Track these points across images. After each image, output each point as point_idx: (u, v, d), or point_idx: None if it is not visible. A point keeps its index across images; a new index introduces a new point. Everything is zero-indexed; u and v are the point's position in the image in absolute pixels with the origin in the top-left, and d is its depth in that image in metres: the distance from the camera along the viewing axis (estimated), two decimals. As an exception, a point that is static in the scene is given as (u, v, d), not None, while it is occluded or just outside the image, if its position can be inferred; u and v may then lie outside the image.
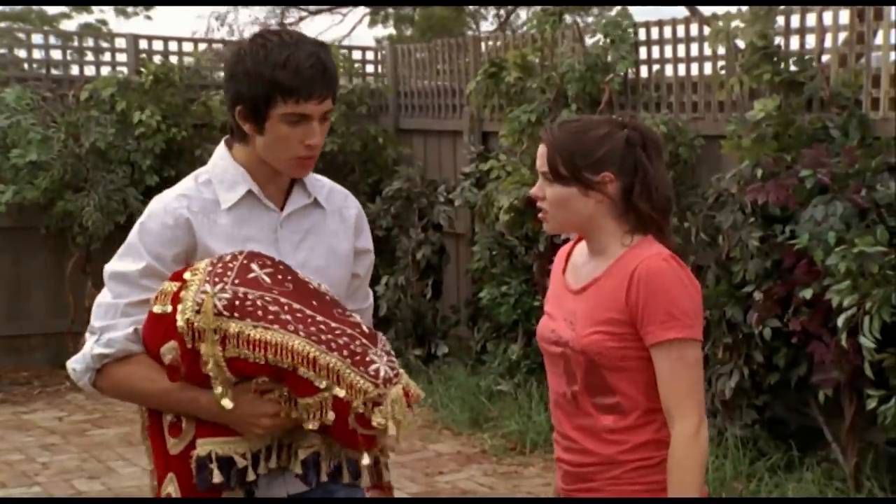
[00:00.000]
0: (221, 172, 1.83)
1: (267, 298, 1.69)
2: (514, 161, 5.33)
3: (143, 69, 6.46)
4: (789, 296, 3.97)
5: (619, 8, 5.28)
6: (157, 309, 1.72)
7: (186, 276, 1.72)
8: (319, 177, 1.94)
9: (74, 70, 6.81)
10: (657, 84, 5.12)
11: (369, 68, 7.37)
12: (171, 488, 1.76)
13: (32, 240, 6.37)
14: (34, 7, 12.86)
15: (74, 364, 1.82)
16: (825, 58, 4.32)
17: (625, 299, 1.77)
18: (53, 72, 6.71)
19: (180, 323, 1.67)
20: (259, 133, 1.78)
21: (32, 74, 6.60)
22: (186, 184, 1.85)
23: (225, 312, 1.66)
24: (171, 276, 1.76)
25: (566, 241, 2.03)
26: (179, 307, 1.68)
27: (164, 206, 1.82)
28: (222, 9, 15.22)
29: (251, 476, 1.73)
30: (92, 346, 1.79)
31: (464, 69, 6.39)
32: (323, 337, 1.69)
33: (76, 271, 6.32)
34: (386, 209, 6.26)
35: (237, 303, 1.67)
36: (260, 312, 1.67)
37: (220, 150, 1.88)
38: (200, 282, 1.69)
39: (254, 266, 1.73)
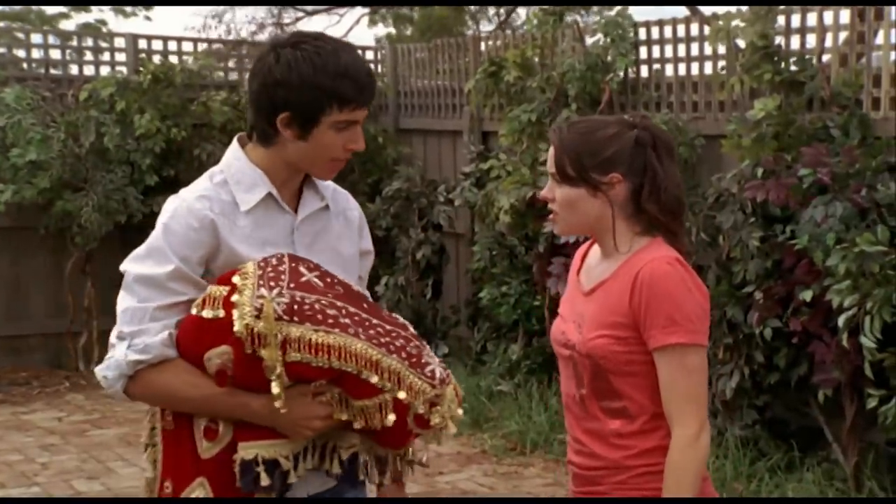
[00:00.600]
0: (238, 173, 1.80)
1: (323, 302, 1.70)
2: (514, 161, 5.33)
3: (142, 69, 6.45)
4: (790, 296, 3.96)
5: (618, 7, 5.28)
6: (207, 314, 1.69)
7: (236, 280, 1.69)
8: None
9: (74, 70, 6.81)
10: (657, 84, 5.11)
11: (369, 68, 7.36)
12: (201, 492, 1.73)
13: (31, 240, 6.36)
14: (33, 7, 12.85)
15: (106, 371, 1.75)
16: (826, 57, 4.32)
17: (628, 303, 1.76)
18: (53, 71, 6.70)
19: (238, 328, 1.65)
20: (302, 139, 1.76)
21: (31, 74, 6.59)
22: (203, 184, 1.81)
23: (285, 317, 1.66)
24: (218, 280, 1.73)
25: (568, 242, 2.03)
26: (236, 312, 1.66)
27: (187, 207, 1.77)
28: (220, 8, 15.23)
29: (293, 478, 1.73)
30: (125, 353, 1.74)
31: (463, 68, 6.38)
32: (382, 340, 1.71)
33: (75, 271, 6.31)
34: (386, 209, 6.26)
35: (296, 307, 1.67)
36: (319, 316, 1.68)
37: (235, 150, 1.84)
38: (253, 286, 1.67)
39: (302, 269, 1.73)
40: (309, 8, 15.04)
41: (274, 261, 1.73)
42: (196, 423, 1.75)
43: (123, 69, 6.72)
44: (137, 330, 1.74)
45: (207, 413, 1.75)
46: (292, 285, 1.69)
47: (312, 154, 1.78)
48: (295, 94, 1.73)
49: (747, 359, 4.19)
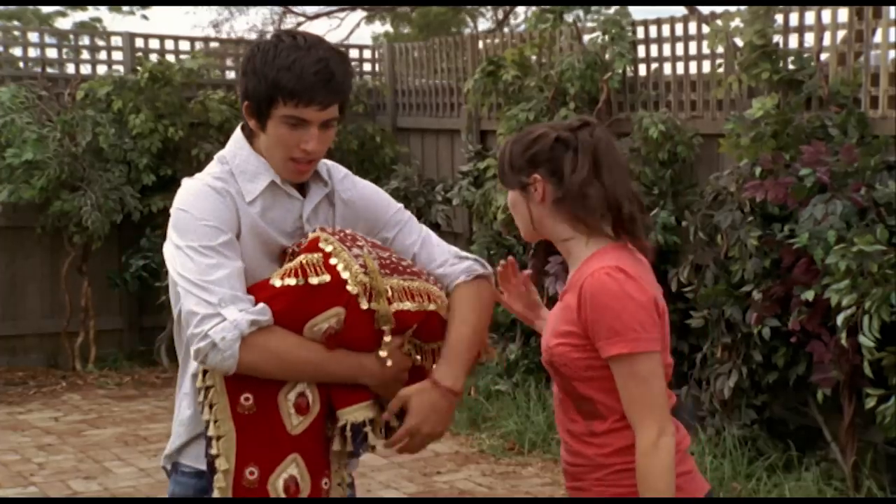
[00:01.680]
0: (242, 163, 1.83)
1: (394, 257, 1.83)
2: (511, 160, 5.30)
3: (139, 68, 6.43)
4: (788, 295, 3.95)
5: (617, 7, 5.27)
6: (314, 280, 1.72)
7: (323, 245, 1.75)
8: (326, 161, 1.95)
9: (70, 68, 6.79)
10: (655, 82, 5.11)
11: (366, 67, 7.35)
12: (294, 470, 1.74)
13: (28, 239, 6.34)
14: (30, 6, 12.81)
15: (223, 333, 1.66)
16: (824, 56, 4.31)
17: (577, 315, 1.79)
18: (49, 70, 6.68)
19: (352, 286, 1.71)
20: (262, 130, 1.81)
21: (28, 73, 6.57)
22: (216, 168, 1.84)
23: (383, 270, 1.77)
24: (303, 249, 1.76)
25: None
26: (346, 273, 1.72)
27: (209, 186, 1.79)
28: (219, 17, 15.24)
29: (374, 440, 1.80)
30: (240, 314, 1.68)
31: (462, 67, 6.37)
32: (431, 280, 1.86)
33: (72, 271, 6.29)
34: (383, 208, 6.24)
35: (383, 261, 1.79)
36: (400, 267, 1.81)
37: (238, 139, 1.87)
38: (340, 247, 1.75)
39: (350, 231, 1.83)
40: (310, 12, 15.03)
41: (329, 228, 1.81)
42: (284, 400, 1.74)
43: (120, 68, 6.70)
44: (235, 295, 1.70)
45: (318, 376, 1.75)
46: (369, 244, 1.80)
47: (271, 146, 1.81)
48: (249, 84, 1.78)
49: (745, 358, 4.18)
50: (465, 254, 1.96)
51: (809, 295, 3.74)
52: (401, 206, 1.99)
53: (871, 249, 3.51)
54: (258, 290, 1.76)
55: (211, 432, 1.75)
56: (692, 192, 4.68)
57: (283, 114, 1.76)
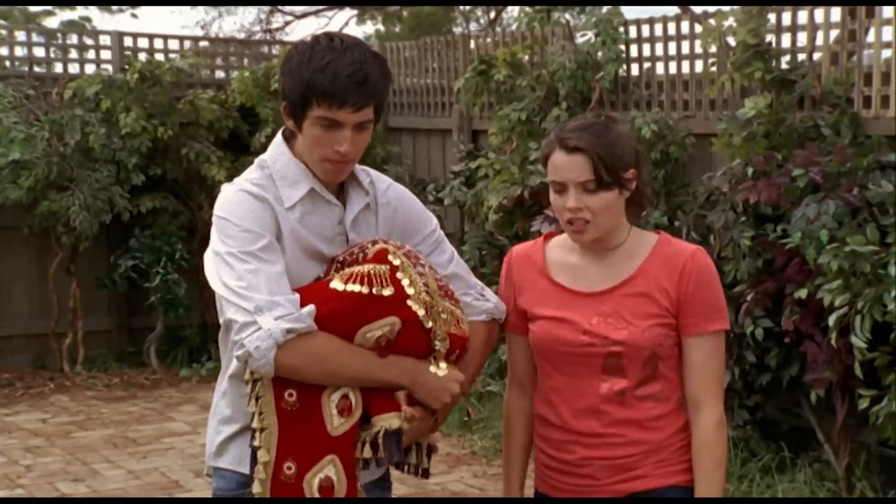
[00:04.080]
0: (283, 168, 1.84)
1: (444, 282, 1.89)
2: (503, 160, 5.30)
3: (128, 67, 6.39)
4: (781, 295, 3.95)
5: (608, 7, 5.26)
6: (379, 291, 1.76)
7: (391, 258, 1.78)
8: (369, 171, 1.96)
9: (58, 67, 6.74)
10: (648, 82, 5.09)
11: (357, 66, 7.31)
12: (331, 471, 1.76)
13: (15, 240, 6.29)
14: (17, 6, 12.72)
15: (258, 343, 1.69)
16: (817, 56, 4.31)
17: (675, 290, 1.87)
18: (36, 69, 6.63)
19: (415, 304, 1.76)
20: (298, 130, 1.83)
21: (15, 72, 6.52)
22: (255, 174, 1.84)
23: (439, 292, 1.84)
24: (370, 259, 1.78)
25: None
26: (410, 289, 1.77)
27: (247, 192, 1.80)
28: (207, 17, 15.18)
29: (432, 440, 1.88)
30: (276, 322, 1.69)
31: (453, 67, 6.35)
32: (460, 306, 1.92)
33: (60, 271, 6.24)
34: (374, 208, 6.22)
35: (439, 282, 1.86)
36: (450, 292, 1.88)
37: (279, 143, 1.87)
38: (407, 263, 1.80)
39: (412, 249, 1.88)
40: (298, 11, 14.99)
41: (395, 243, 1.85)
42: (327, 401, 1.76)
43: (109, 67, 6.65)
44: (272, 301, 1.71)
45: (362, 380, 1.76)
46: (427, 265, 1.86)
47: (307, 147, 1.83)
48: (286, 85, 1.81)
49: (738, 359, 4.17)
50: (489, 292, 2.00)
51: (802, 293, 3.74)
52: (437, 222, 2.01)
53: (864, 249, 3.51)
54: (314, 291, 1.78)
55: (255, 424, 1.77)
56: (685, 192, 4.67)
57: (317, 115, 1.77)
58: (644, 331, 1.86)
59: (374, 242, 1.83)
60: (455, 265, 1.96)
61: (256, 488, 1.76)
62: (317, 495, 1.75)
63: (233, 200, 1.80)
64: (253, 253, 1.75)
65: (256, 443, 1.77)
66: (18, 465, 4.73)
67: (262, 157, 1.88)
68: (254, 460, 1.78)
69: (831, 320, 3.54)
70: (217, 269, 1.77)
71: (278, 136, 1.89)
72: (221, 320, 1.83)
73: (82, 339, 6.28)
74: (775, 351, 4.08)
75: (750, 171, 4.02)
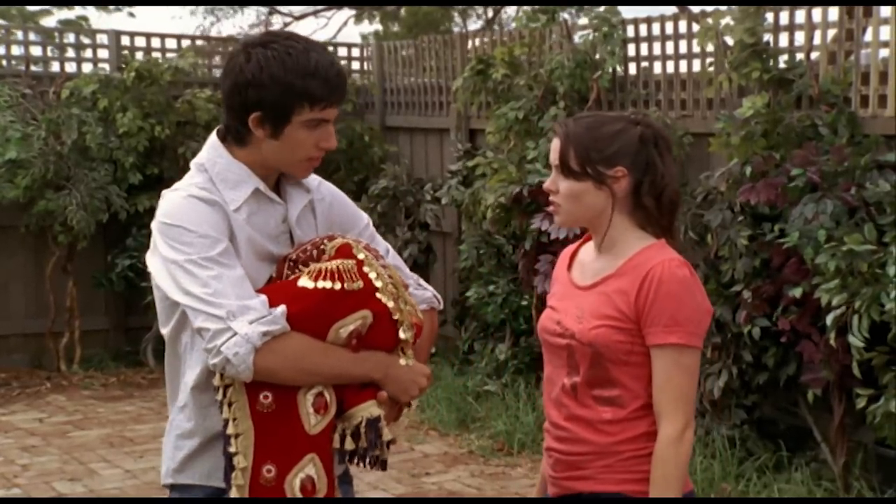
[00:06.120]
0: (223, 171, 1.80)
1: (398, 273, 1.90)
2: (500, 159, 5.29)
3: (125, 66, 6.38)
4: (778, 294, 3.95)
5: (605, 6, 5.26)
6: (349, 286, 1.76)
7: (356, 252, 1.79)
8: None
9: (55, 66, 6.73)
10: (646, 81, 5.09)
11: (355, 65, 7.32)
12: (311, 469, 1.76)
13: (12, 239, 6.28)
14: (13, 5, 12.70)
15: (235, 349, 1.66)
16: (814, 55, 4.30)
17: (634, 298, 1.83)
18: (33, 68, 6.62)
19: (383, 296, 1.77)
20: (274, 138, 1.78)
21: (11, 71, 6.51)
22: (196, 179, 1.80)
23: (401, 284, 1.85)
24: (333, 255, 1.78)
25: (558, 238, 2.04)
26: (378, 282, 1.78)
27: (194, 196, 1.76)
28: (205, 22, 15.18)
29: (387, 436, 1.83)
30: (251, 326, 1.67)
31: (451, 66, 6.35)
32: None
33: (56, 271, 6.23)
34: (372, 207, 6.21)
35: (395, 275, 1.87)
36: (404, 283, 1.87)
37: (216, 146, 1.83)
38: (371, 257, 1.81)
39: (370, 243, 1.90)
40: (296, 12, 14.97)
41: (355, 238, 1.87)
42: (303, 400, 1.75)
43: (106, 66, 6.64)
44: (243, 305, 1.69)
45: (337, 377, 1.76)
46: (383, 259, 1.87)
47: (286, 153, 1.80)
48: (266, 94, 1.74)
49: (735, 358, 4.17)
50: (424, 282, 2.04)
51: (798, 291, 3.74)
52: (368, 217, 2.02)
53: (861, 249, 3.50)
54: (280, 290, 1.76)
55: (230, 430, 1.74)
56: (682, 192, 4.66)
57: (306, 118, 1.76)
58: (591, 329, 1.85)
59: (330, 238, 1.82)
60: (392, 257, 1.96)
61: (234, 494, 1.73)
62: (299, 495, 1.74)
63: (183, 206, 1.76)
64: (213, 258, 1.71)
65: (232, 449, 1.74)
66: (15, 464, 4.73)
67: (197, 160, 1.83)
68: (229, 468, 1.75)
69: (829, 320, 3.54)
70: (175, 278, 1.72)
71: (213, 138, 1.84)
72: (164, 331, 1.81)
73: (79, 338, 6.27)
74: (772, 350, 4.08)
75: (748, 170, 4.02)
